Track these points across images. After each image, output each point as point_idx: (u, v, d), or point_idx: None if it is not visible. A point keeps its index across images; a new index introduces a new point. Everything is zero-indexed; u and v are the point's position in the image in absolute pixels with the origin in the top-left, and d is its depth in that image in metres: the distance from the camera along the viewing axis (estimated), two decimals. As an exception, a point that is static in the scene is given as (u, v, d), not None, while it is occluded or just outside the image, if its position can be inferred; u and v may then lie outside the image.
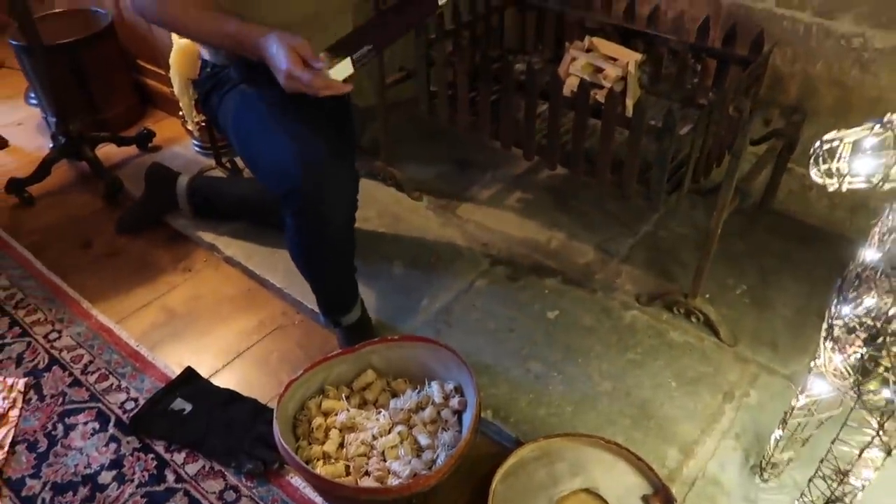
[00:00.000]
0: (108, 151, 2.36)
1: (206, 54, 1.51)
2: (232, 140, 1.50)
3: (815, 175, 0.86)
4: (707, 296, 1.66)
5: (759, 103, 1.71)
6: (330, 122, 1.50)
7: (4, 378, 1.58)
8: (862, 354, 0.95)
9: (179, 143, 2.43)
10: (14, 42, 2.28)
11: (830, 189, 0.85)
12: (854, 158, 0.84)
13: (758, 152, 1.74)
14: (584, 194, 2.06)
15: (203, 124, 2.19)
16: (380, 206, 2.06)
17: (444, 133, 2.14)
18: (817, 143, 0.85)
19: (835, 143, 0.82)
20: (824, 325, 1.04)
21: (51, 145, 2.29)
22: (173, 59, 1.96)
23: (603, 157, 1.60)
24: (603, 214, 1.99)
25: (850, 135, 0.82)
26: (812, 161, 0.86)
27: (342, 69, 1.20)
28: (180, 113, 2.23)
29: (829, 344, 1.04)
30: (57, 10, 2.53)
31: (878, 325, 0.93)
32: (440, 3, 1.39)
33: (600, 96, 1.73)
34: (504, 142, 1.80)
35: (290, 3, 1.35)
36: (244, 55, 1.26)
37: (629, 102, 1.72)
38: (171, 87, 2.14)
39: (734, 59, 1.72)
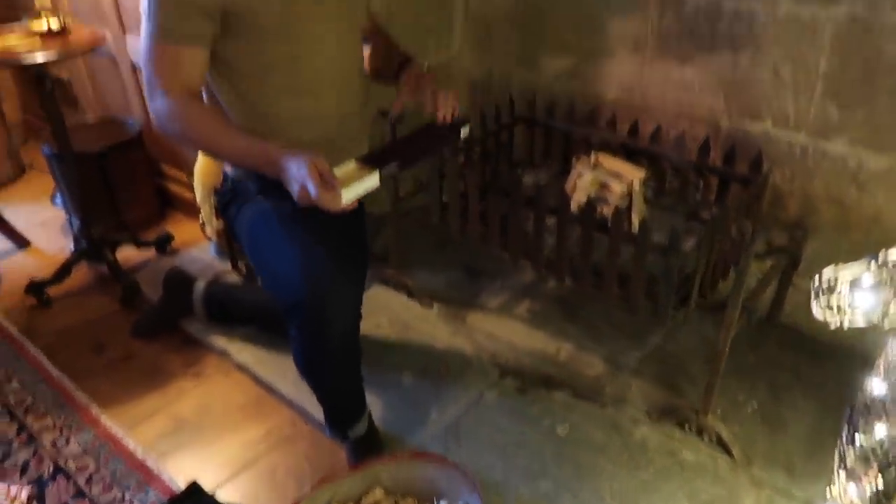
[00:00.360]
0: (127, 254, 2.42)
1: (227, 168, 1.59)
2: (245, 250, 1.56)
3: (816, 311, 0.89)
4: (718, 412, 1.65)
5: (760, 221, 1.77)
6: (342, 233, 1.54)
7: (8, 486, 1.56)
8: (877, 489, 0.94)
9: (197, 246, 2.50)
10: (46, 148, 2.40)
11: (833, 326, 0.87)
12: (853, 293, 0.86)
13: (763, 267, 1.77)
14: (592, 305, 2.08)
15: (221, 230, 2.26)
16: (390, 313, 2.09)
17: (455, 241, 2.20)
18: (816, 280, 0.88)
19: (832, 280, 0.85)
20: (836, 454, 1.03)
21: (72, 247, 2.36)
22: (198, 169, 2.05)
23: (610, 272, 1.63)
24: (611, 326, 2.01)
25: (847, 272, 0.85)
26: (813, 296, 0.88)
27: (369, 181, 1.25)
28: (200, 218, 2.31)
29: (842, 473, 1.03)
30: (89, 120, 2.67)
31: (891, 456, 0.93)
32: (463, 134, 1.47)
33: (607, 211, 1.78)
34: (513, 254, 1.85)
35: (313, 125, 1.43)
36: (261, 170, 1.31)
37: (635, 218, 1.78)
38: (193, 192, 2.23)
39: (735, 177, 1.79)
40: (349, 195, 1.21)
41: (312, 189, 1.16)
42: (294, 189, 1.21)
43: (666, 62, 1.94)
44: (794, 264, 1.77)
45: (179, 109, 1.30)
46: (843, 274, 0.84)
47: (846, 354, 1.83)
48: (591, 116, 2.04)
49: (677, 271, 1.53)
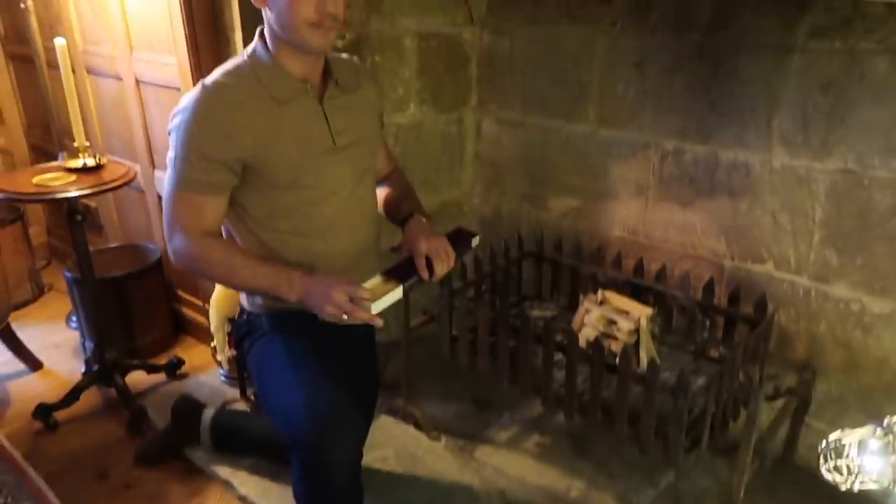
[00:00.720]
0: (136, 378, 2.43)
1: (244, 301, 1.63)
2: (255, 384, 1.57)
3: (825, 472, 0.89)
4: (735, 561, 1.59)
5: (767, 362, 1.78)
6: (353, 369, 1.56)
7: None
8: None
9: (207, 371, 2.51)
10: (68, 273, 2.47)
11: (842, 488, 0.87)
12: (861, 457, 0.87)
13: (775, 406, 1.77)
14: (602, 440, 2.05)
15: (232, 357, 2.28)
16: (397, 445, 2.07)
17: (464, 370, 2.21)
18: (823, 443, 0.89)
19: (839, 443, 0.86)
20: None
21: (83, 370, 2.38)
22: (215, 298, 2.11)
23: (619, 411, 1.63)
24: (623, 462, 1.97)
25: (853, 436, 0.87)
26: (821, 458, 0.89)
27: (393, 296, 1.30)
28: (212, 344, 2.34)
29: None
30: (112, 246, 2.76)
31: None
32: (474, 244, 1.53)
33: (615, 347, 1.81)
34: (523, 389, 1.86)
35: (324, 263, 1.47)
36: (284, 295, 1.34)
37: (643, 355, 1.80)
38: (207, 318, 2.27)
39: (741, 317, 1.82)
40: (377, 308, 1.28)
41: (346, 305, 1.23)
42: (322, 308, 1.25)
43: (668, 205, 2.03)
44: (804, 406, 1.76)
45: (197, 247, 1.36)
46: (850, 438, 0.85)
47: (862, 499, 1.78)
48: (598, 253, 2.10)
49: (687, 412, 1.53)
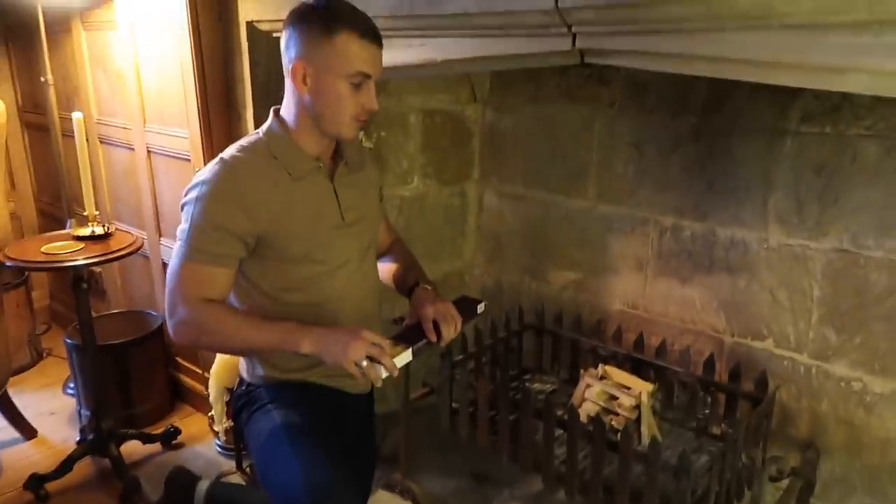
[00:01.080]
0: (132, 447, 2.40)
1: (243, 372, 1.62)
2: (253, 457, 1.55)
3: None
4: None
5: (770, 441, 1.77)
6: (351, 442, 1.54)
7: None
8: None
9: (203, 441, 2.47)
10: (69, 340, 2.47)
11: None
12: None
13: (779, 486, 1.74)
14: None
15: (229, 428, 2.26)
16: (395, 522, 2.02)
17: (464, 444, 2.18)
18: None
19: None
20: None
21: (78, 439, 2.35)
22: (215, 368, 2.11)
23: (621, 490, 1.61)
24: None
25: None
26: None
27: (403, 358, 1.30)
28: (210, 413, 2.32)
29: None
30: (114, 312, 2.78)
31: None
32: (479, 310, 1.54)
33: (616, 423, 1.80)
34: (523, 465, 1.83)
35: (358, 306, 1.49)
36: (297, 345, 1.30)
37: (644, 431, 1.79)
38: (206, 386, 2.26)
39: (742, 394, 1.82)
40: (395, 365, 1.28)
41: (372, 349, 1.23)
42: (345, 353, 1.24)
43: (667, 280, 2.05)
44: (809, 487, 1.74)
45: (198, 313, 1.32)
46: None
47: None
48: (598, 327, 2.11)
49: (690, 493, 1.51)
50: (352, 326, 1.31)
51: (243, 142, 1.43)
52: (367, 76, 1.32)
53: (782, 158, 1.77)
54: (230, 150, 1.40)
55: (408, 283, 1.60)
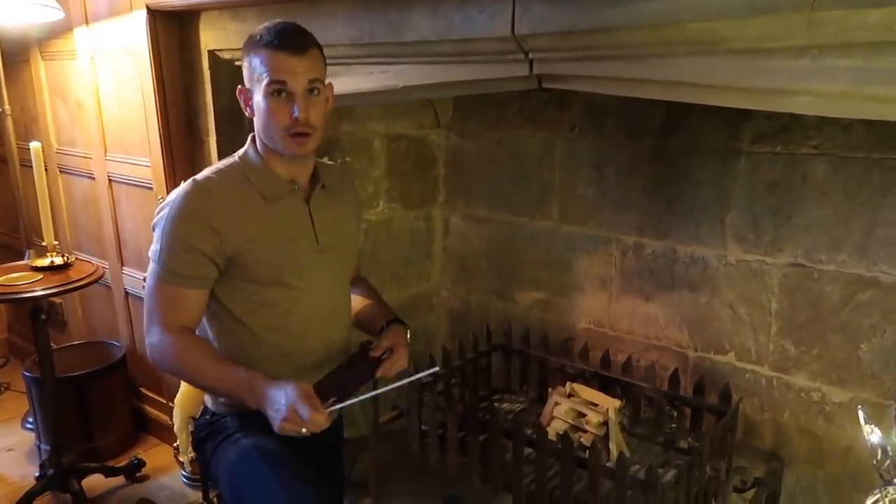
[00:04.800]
0: (94, 481, 2.33)
1: (208, 401, 1.60)
2: (223, 487, 1.52)
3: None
4: None
5: (735, 453, 1.80)
6: (320, 466, 1.53)
7: None
8: None
9: (168, 472, 2.42)
10: (27, 373, 2.41)
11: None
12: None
13: (745, 498, 1.77)
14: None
15: (195, 458, 2.21)
16: (366, 549, 2.00)
17: (434, 467, 2.17)
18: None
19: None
20: None
21: (37, 474, 2.28)
22: (180, 397, 2.07)
23: (591, 508, 1.62)
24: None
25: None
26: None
27: (333, 413, 1.29)
28: (175, 444, 2.27)
29: None
30: (75, 342, 2.71)
31: None
32: (427, 377, 1.52)
33: (585, 439, 1.81)
34: (494, 486, 1.83)
35: (294, 361, 1.47)
36: (243, 399, 1.33)
37: (612, 448, 1.80)
38: (170, 415, 2.22)
39: (706, 407, 1.85)
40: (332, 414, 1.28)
41: (305, 412, 1.22)
42: (278, 416, 1.24)
43: (631, 298, 2.09)
44: (774, 497, 1.77)
45: (170, 343, 1.35)
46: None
47: None
48: (565, 345, 2.13)
49: (658, 507, 1.53)
50: (290, 393, 1.26)
51: (219, 164, 1.45)
52: (282, 83, 1.31)
53: (737, 177, 1.83)
54: (204, 173, 1.42)
55: (377, 324, 1.59)
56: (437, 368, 1.52)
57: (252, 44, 1.35)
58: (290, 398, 1.24)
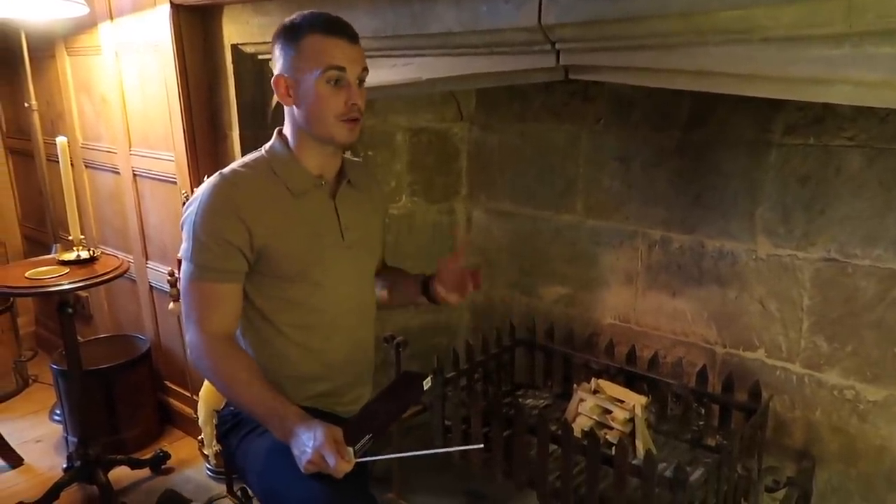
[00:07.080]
0: (120, 473, 2.36)
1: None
2: (251, 480, 1.51)
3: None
4: None
5: (765, 451, 1.76)
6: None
7: None
8: None
9: (193, 465, 2.44)
10: (55, 366, 2.44)
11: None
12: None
13: (776, 497, 1.73)
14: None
15: (219, 451, 2.23)
16: (390, 544, 1.99)
17: (457, 462, 2.16)
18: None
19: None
20: None
21: (65, 466, 2.31)
22: (203, 391, 2.08)
23: (618, 506, 1.60)
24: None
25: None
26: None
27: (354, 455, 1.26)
28: (200, 437, 2.29)
29: None
30: (101, 336, 2.74)
31: None
32: (426, 386, 1.48)
33: (611, 437, 1.79)
34: (518, 482, 1.81)
35: (322, 358, 1.47)
36: (273, 430, 1.31)
37: (639, 445, 1.78)
38: (195, 408, 2.24)
39: (735, 405, 1.81)
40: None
41: (332, 461, 1.19)
42: (303, 458, 1.22)
43: (657, 293, 2.05)
44: (806, 497, 1.73)
45: (210, 348, 1.35)
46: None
47: None
48: (590, 340, 2.11)
49: (686, 506, 1.50)
50: (320, 437, 1.23)
51: (245, 158, 1.45)
52: (341, 69, 1.31)
53: (768, 170, 1.78)
54: (231, 166, 1.42)
55: (410, 290, 1.60)
56: (481, 445, 1.55)
57: (295, 31, 1.33)
58: (318, 442, 1.21)
